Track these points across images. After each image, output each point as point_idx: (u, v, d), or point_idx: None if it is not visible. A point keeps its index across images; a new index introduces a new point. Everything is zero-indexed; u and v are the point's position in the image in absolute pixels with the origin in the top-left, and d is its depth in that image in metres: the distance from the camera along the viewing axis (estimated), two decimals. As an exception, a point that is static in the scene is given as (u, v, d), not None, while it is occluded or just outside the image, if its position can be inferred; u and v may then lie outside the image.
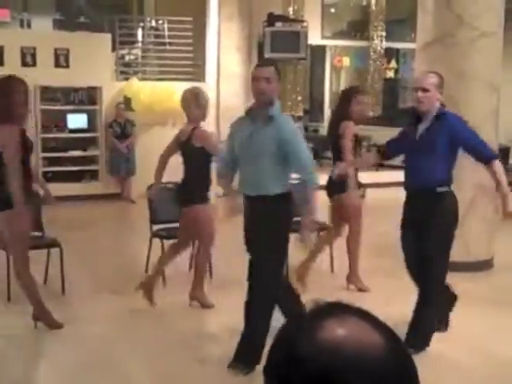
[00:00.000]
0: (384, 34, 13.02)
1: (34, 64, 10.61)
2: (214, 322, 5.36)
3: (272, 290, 4.22)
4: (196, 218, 5.35)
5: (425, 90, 4.43)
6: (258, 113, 4.21)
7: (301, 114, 13.64)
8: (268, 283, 4.17)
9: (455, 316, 4.99)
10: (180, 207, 5.45)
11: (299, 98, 13.19)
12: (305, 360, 0.86)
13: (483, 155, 4.47)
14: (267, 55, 11.84)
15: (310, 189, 4.24)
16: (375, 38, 13.02)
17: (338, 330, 0.87)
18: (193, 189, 5.30)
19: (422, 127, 4.54)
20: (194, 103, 5.35)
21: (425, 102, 4.43)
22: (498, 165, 4.44)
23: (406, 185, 4.72)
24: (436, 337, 4.61)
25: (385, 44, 13.12)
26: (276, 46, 11.77)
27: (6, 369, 4.39)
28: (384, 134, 14.39)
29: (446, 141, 4.41)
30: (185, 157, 5.39)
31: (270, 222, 4.16)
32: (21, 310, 5.15)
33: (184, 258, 6.42)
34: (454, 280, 4.92)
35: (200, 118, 5.40)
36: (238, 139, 4.28)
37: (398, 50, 14.16)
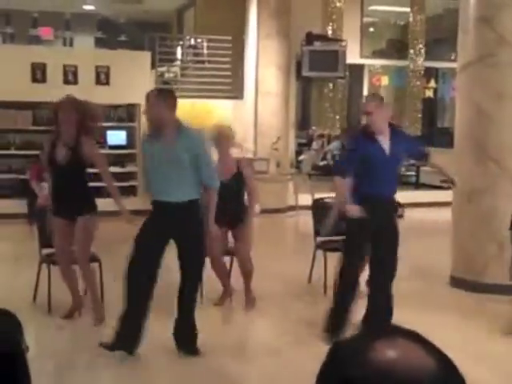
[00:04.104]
0: (424, 53, 12.94)
1: (75, 81, 10.79)
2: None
3: None
4: None
5: None
6: None
7: (337, 132, 13.60)
8: None
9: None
10: None
11: (337, 117, 13.16)
12: (357, 382, 0.85)
13: None
14: (305, 74, 11.87)
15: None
16: (415, 57, 12.94)
17: (389, 352, 0.86)
18: None
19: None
20: None
21: None
22: None
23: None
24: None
25: (424, 63, 13.04)
26: (314, 65, 11.79)
27: None
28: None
29: None
30: None
31: None
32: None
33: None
34: None
35: None
36: None
37: (437, 70, 14.05)
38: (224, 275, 6.04)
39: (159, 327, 4.93)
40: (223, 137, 5.93)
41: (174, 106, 4.74)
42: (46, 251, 5.94)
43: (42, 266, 5.87)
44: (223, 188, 5.58)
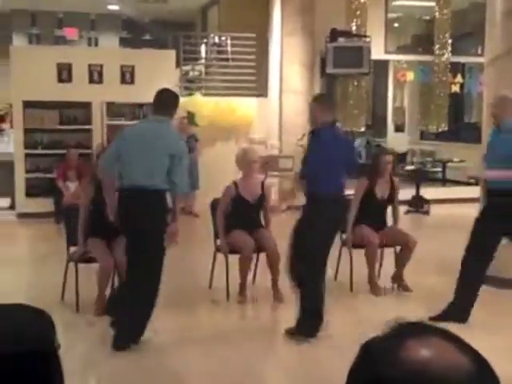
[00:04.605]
0: (450, 47, 12.80)
1: (100, 81, 10.86)
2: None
3: None
4: None
5: None
6: None
7: (362, 129, 13.53)
8: None
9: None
10: None
11: (362, 114, 13.08)
12: (389, 381, 0.83)
13: None
14: (329, 70, 11.80)
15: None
16: (440, 51, 12.81)
17: (422, 351, 0.84)
18: None
19: None
20: None
21: None
22: None
23: None
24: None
25: (450, 58, 12.89)
26: (339, 62, 11.71)
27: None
28: (449, 150, 14.22)
29: None
30: None
31: None
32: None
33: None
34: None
35: None
36: None
37: (463, 64, 13.90)
38: (246, 274, 6.09)
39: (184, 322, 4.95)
40: (249, 159, 6.14)
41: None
42: (73, 249, 5.98)
43: (69, 264, 5.92)
44: (248, 207, 6.04)
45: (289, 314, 5.30)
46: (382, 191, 6.39)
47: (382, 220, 6.46)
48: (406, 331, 0.89)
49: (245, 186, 6.12)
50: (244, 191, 6.09)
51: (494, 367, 0.87)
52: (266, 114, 11.58)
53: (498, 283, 6.32)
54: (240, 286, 6.05)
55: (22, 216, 10.39)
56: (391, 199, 6.46)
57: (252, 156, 6.20)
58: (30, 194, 10.66)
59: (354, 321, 5.52)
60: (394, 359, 0.84)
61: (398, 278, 6.39)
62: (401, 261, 6.34)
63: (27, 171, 10.72)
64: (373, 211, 6.33)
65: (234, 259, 6.09)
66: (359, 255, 6.31)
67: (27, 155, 10.71)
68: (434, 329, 0.90)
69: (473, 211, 7.18)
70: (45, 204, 10.26)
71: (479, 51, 11.88)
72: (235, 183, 6.16)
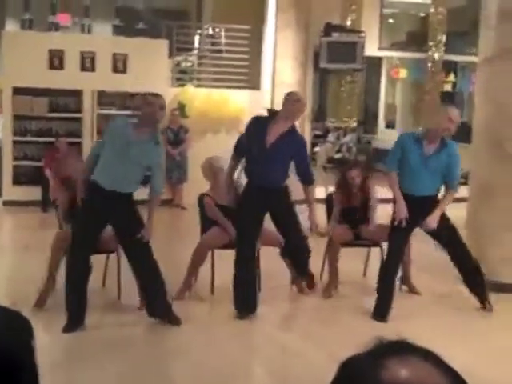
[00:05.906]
0: (443, 46, 12.78)
1: (92, 69, 10.77)
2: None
3: None
4: None
5: None
6: None
7: (354, 125, 13.51)
8: None
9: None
10: None
11: (354, 110, 13.06)
12: None
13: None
14: (323, 65, 11.78)
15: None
16: (434, 49, 12.79)
17: (401, 371, 0.84)
18: None
19: None
20: None
21: None
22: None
23: None
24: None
25: (444, 56, 12.88)
26: (332, 56, 11.69)
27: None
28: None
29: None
30: None
31: None
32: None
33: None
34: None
35: None
36: None
37: (456, 63, 13.88)
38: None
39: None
40: (215, 168, 6.07)
41: None
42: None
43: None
44: (229, 212, 5.88)
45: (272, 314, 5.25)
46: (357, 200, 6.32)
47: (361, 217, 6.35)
48: (387, 350, 0.88)
49: (217, 194, 6.01)
50: (220, 199, 6.00)
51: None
52: (257, 106, 11.51)
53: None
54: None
55: (8, 204, 10.31)
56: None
57: (218, 164, 6.09)
58: (17, 181, 10.57)
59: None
60: (372, 379, 0.83)
61: (405, 279, 6.30)
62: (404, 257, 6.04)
63: (15, 158, 10.63)
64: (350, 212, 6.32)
65: (221, 255, 6.06)
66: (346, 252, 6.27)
67: (15, 142, 10.61)
68: (414, 348, 0.88)
69: (461, 211, 7.17)
70: (32, 192, 10.17)
71: (473, 50, 11.87)
72: (207, 195, 6.05)
